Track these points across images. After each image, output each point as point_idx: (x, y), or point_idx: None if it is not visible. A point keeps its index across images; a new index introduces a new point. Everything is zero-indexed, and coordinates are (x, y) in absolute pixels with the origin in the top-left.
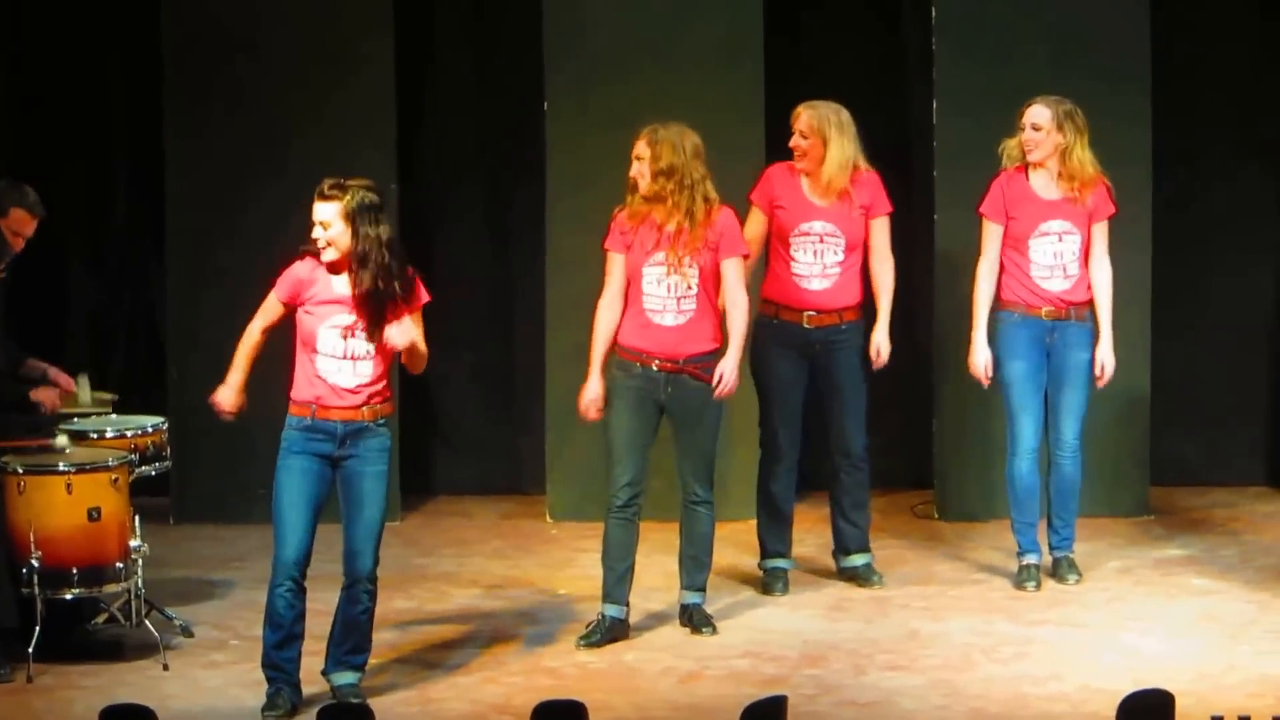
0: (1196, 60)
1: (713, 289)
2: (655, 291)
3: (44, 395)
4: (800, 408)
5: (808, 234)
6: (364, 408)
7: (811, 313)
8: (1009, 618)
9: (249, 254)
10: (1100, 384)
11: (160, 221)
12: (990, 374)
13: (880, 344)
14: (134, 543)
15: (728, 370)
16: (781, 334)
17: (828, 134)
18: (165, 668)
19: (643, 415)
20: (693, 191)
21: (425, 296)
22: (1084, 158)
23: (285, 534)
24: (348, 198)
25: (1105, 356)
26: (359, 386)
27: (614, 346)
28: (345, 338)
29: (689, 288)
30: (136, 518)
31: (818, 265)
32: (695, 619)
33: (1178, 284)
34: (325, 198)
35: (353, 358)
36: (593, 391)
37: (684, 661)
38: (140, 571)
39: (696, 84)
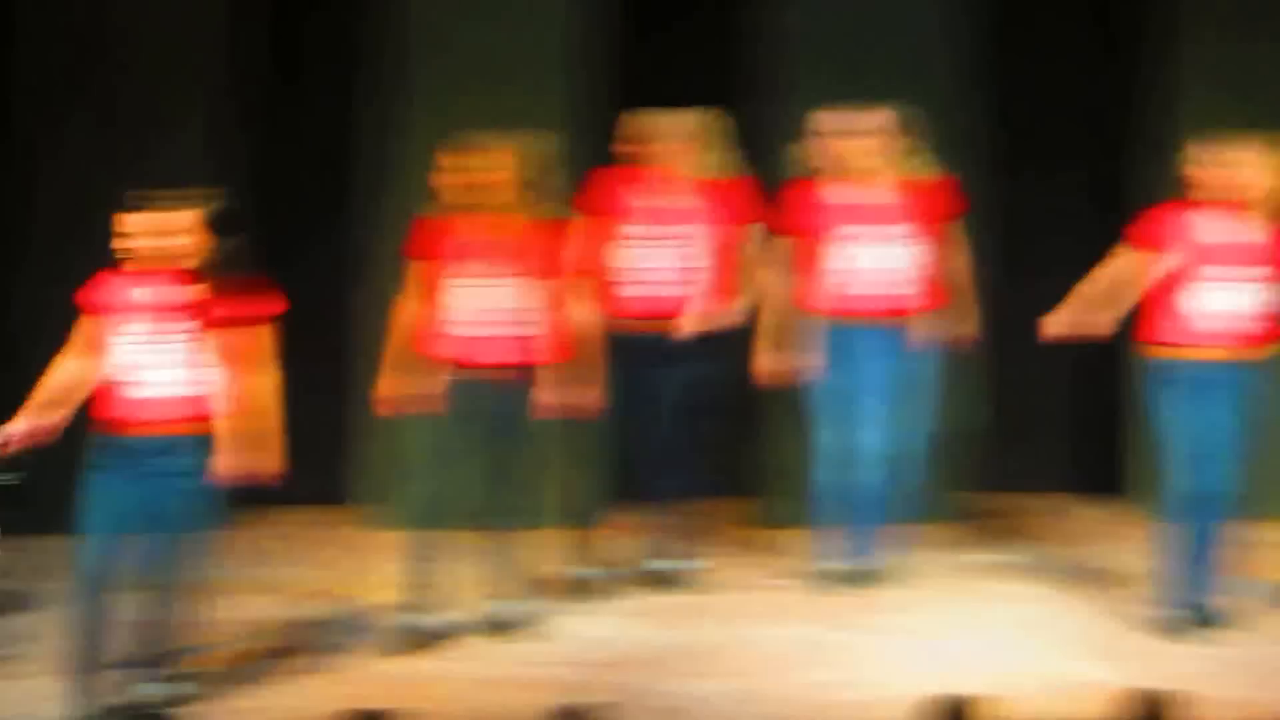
0: (1021, 70)
1: (527, 300)
2: (465, 300)
3: None
4: (644, 418)
5: (852, 235)
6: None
7: (653, 320)
8: (815, 623)
9: None
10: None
11: None
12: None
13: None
14: None
15: (549, 389)
16: (626, 344)
17: (688, 143)
18: None
19: (454, 424)
20: (525, 203)
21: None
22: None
23: (90, 547)
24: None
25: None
26: (157, 403)
27: (423, 353)
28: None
29: (505, 298)
30: None
31: (667, 269)
32: (499, 626)
33: (985, 293)
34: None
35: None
36: (388, 389)
37: (492, 668)
38: None
39: (513, 97)
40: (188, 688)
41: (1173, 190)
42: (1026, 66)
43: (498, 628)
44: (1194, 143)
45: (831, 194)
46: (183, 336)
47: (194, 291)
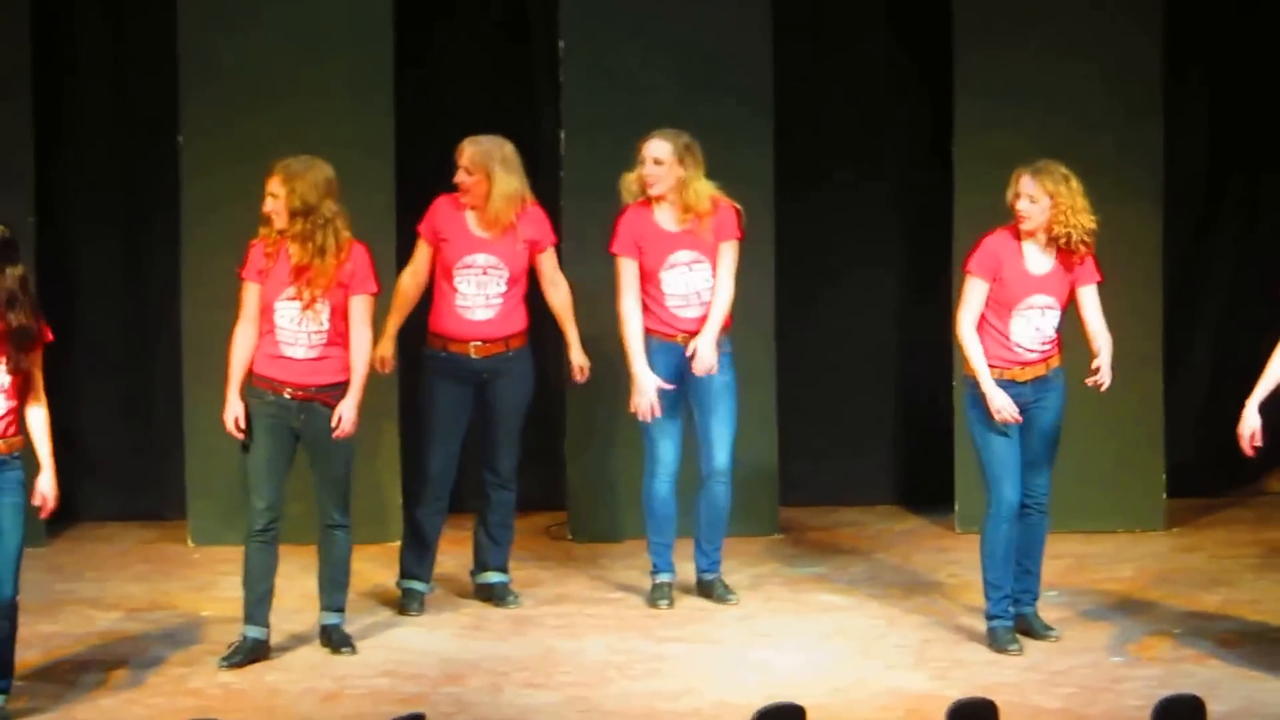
0: (818, 82)
1: (343, 323)
2: (288, 325)
3: None
4: (461, 437)
5: (471, 266)
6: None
7: (478, 343)
8: (643, 635)
9: None
10: (696, 370)
11: None
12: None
13: (581, 362)
14: None
15: (347, 411)
16: (450, 365)
17: (492, 169)
18: None
19: (278, 442)
20: (324, 229)
21: (49, 336)
22: (700, 189)
23: None
24: None
25: (704, 349)
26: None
27: (249, 374)
28: None
29: (321, 322)
30: None
31: (481, 296)
32: (335, 639)
33: (803, 306)
34: None
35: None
36: (233, 410)
37: (324, 681)
38: None
39: (328, 116)
40: (14, 702)
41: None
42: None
43: (332, 641)
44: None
45: (660, 221)
46: (17, 359)
47: (33, 319)
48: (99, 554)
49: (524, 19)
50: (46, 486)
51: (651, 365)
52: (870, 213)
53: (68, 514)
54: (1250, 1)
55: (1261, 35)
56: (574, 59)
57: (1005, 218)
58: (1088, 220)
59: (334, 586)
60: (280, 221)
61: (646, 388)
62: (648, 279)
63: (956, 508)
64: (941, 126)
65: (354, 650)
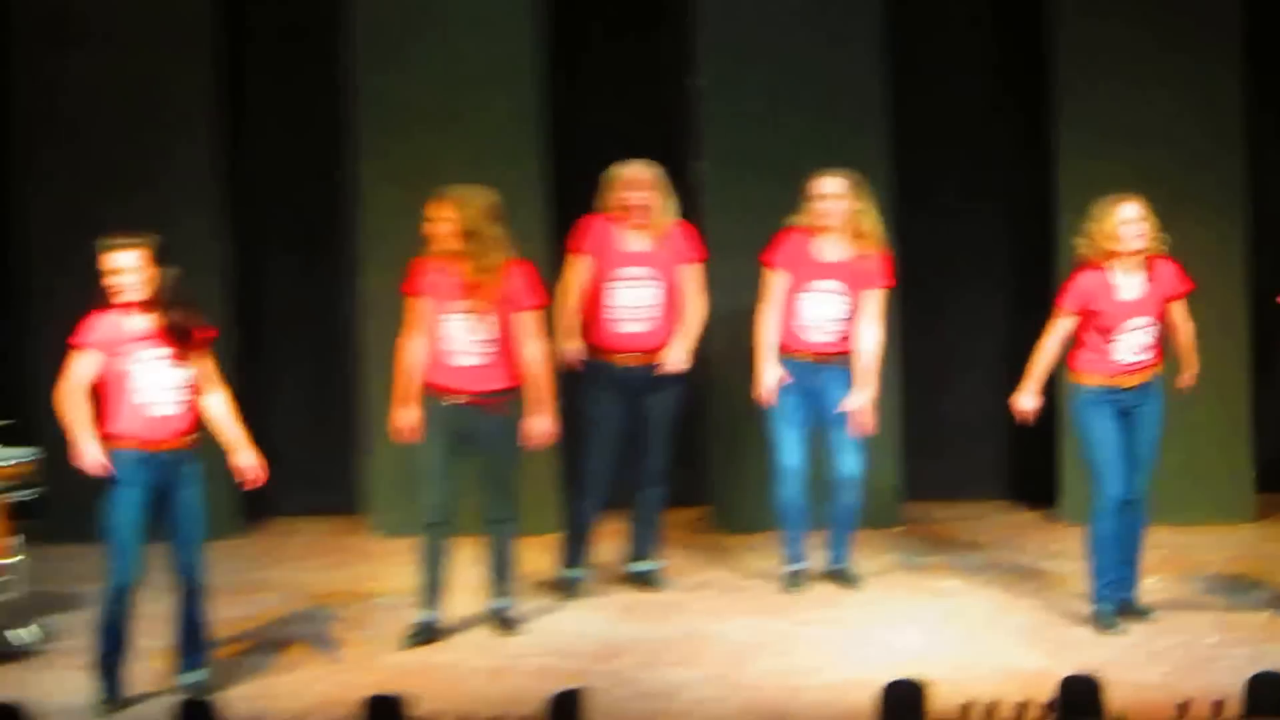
0: (931, 114)
1: (508, 335)
2: (458, 336)
3: None
4: (618, 441)
5: (625, 279)
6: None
7: (635, 354)
8: (779, 618)
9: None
10: (858, 427)
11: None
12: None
13: (854, 401)
14: (9, 560)
15: (537, 425)
16: (609, 375)
17: (662, 192)
18: (34, 669)
19: (449, 443)
20: (491, 249)
21: (212, 332)
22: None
23: (125, 556)
24: (147, 245)
25: (860, 401)
26: (178, 416)
27: (421, 383)
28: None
29: (489, 334)
30: (14, 539)
31: (635, 309)
32: (502, 621)
33: (922, 321)
34: (122, 248)
35: (168, 388)
36: (403, 419)
37: (493, 659)
38: (17, 587)
39: (486, 146)
40: (216, 677)
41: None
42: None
43: (499, 623)
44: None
45: (813, 247)
46: (169, 361)
47: (190, 315)
48: (290, 545)
49: (660, 56)
50: (247, 462)
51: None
52: (980, 234)
53: (261, 508)
54: None
55: None
56: (711, 95)
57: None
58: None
59: (501, 574)
60: (451, 243)
61: (769, 380)
62: (787, 295)
63: (1063, 502)
64: (1042, 155)
65: (519, 632)
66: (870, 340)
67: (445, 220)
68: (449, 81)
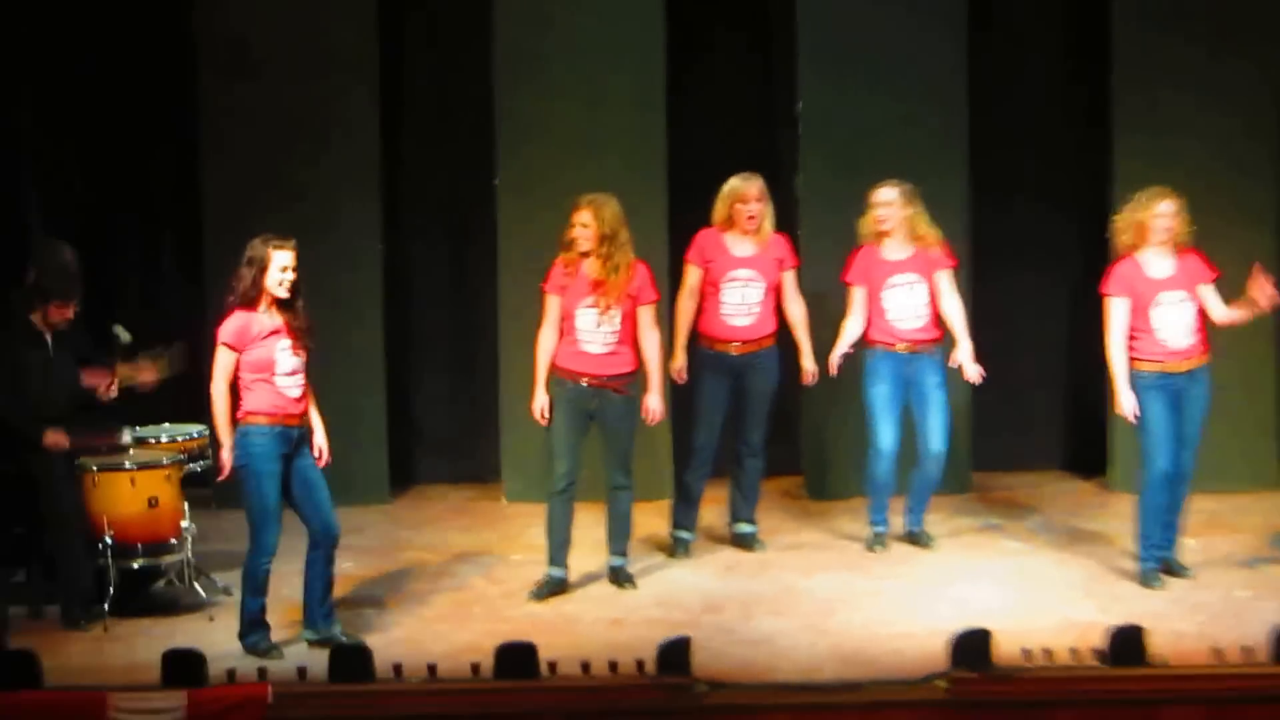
0: (1003, 120)
1: (630, 326)
2: (587, 327)
3: (94, 379)
4: (723, 417)
5: (735, 280)
6: (303, 415)
7: (738, 343)
8: (863, 574)
9: None
10: (969, 379)
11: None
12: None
13: (810, 369)
14: (185, 524)
15: (654, 403)
16: (715, 360)
17: (767, 205)
18: (211, 619)
19: (576, 420)
20: (620, 251)
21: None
22: (924, 225)
23: (269, 523)
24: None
25: (965, 359)
26: (301, 397)
27: (552, 367)
28: (295, 355)
29: (614, 325)
30: (186, 504)
31: (743, 305)
32: (620, 577)
33: (991, 307)
34: (288, 248)
35: (295, 373)
36: (540, 401)
37: (612, 610)
38: (190, 546)
39: (611, 159)
40: (365, 627)
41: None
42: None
43: (617, 579)
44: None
45: (881, 251)
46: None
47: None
48: (432, 510)
49: (768, 76)
50: (322, 441)
51: (871, 370)
52: (1045, 229)
53: (407, 477)
54: None
55: None
56: (808, 115)
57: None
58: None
59: (619, 535)
60: (588, 245)
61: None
62: (872, 298)
63: (1113, 473)
64: (1101, 155)
65: (635, 586)
66: (954, 308)
67: (585, 225)
68: (581, 101)
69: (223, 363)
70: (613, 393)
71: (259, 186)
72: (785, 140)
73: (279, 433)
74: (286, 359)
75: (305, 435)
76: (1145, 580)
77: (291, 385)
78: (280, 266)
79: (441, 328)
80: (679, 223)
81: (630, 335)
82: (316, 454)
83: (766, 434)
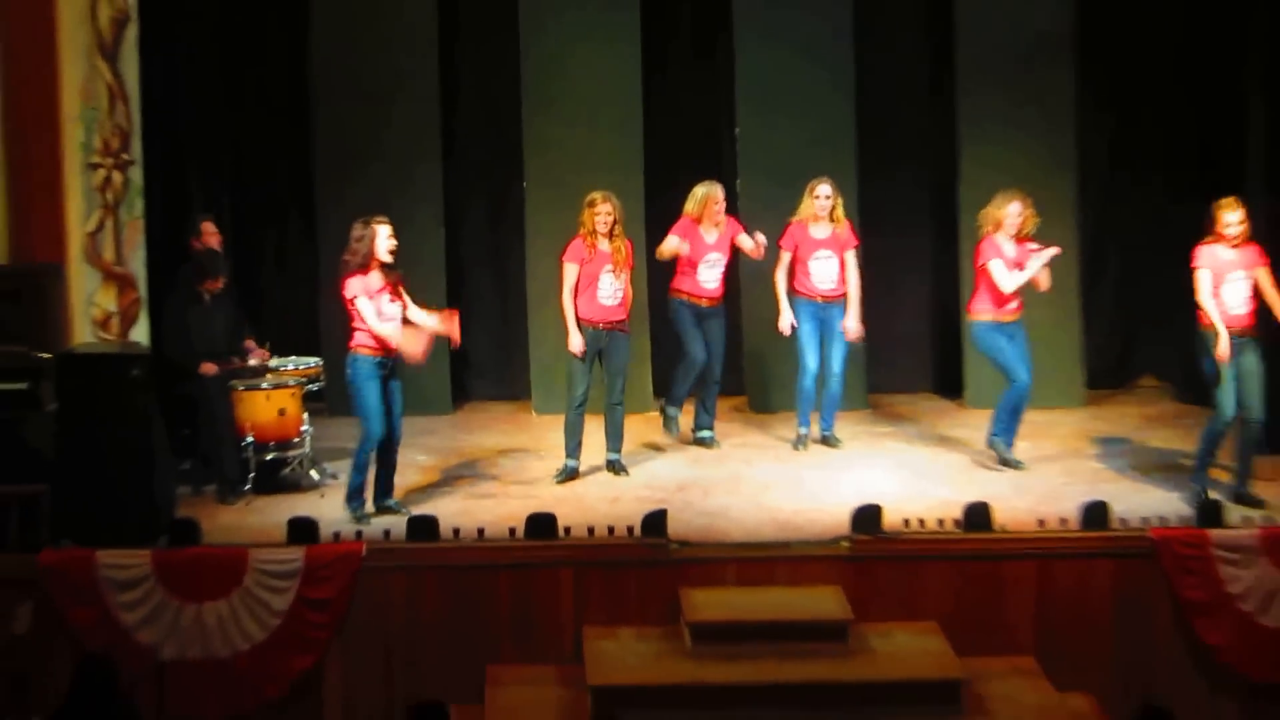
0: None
1: (628, 286)
2: (606, 287)
3: (208, 369)
4: (702, 348)
5: (708, 260)
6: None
7: (706, 299)
8: (791, 465)
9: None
10: (852, 338)
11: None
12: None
13: (853, 327)
14: (304, 427)
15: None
16: (694, 309)
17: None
18: (322, 496)
19: (591, 353)
20: (622, 232)
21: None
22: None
23: (372, 421)
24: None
25: (853, 322)
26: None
27: (579, 316)
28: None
29: (619, 284)
30: (306, 414)
31: (713, 273)
32: (616, 467)
33: (881, 266)
34: (387, 222)
35: (394, 318)
36: (576, 340)
37: (611, 491)
38: (308, 443)
39: (602, 167)
40: (430, 504)
41: None
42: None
43: (615, 468)
44: None
45: (811, 230)
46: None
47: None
48: (480, 419)
49: (717, 104)
50: (433, 324)
51: (797, 313)
52: (914, 204)
53: (462, 395)
54: None
55: None
56: (744, 135)
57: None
58: None
59: (615, 437)
60: (606, 228)
61: (785, 317)
62: (800, 263)
63: (968, 393)
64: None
65: (627, 474)
66: (853, 280)
67: (608, 213)
68: (580, 125)
69: (367, 310)
70: (618, 332)
71: (361, 191)
72: (728, 153)
73: (379, 360)
74: (388, 308)
75: (398, 362)
76: (998, 455)
77: (391, 326)
78: (386, 236)
79: (486, 285)
80: (652, 214)
81: (627, 291)
82: (453, 338)
83: (722, 367)
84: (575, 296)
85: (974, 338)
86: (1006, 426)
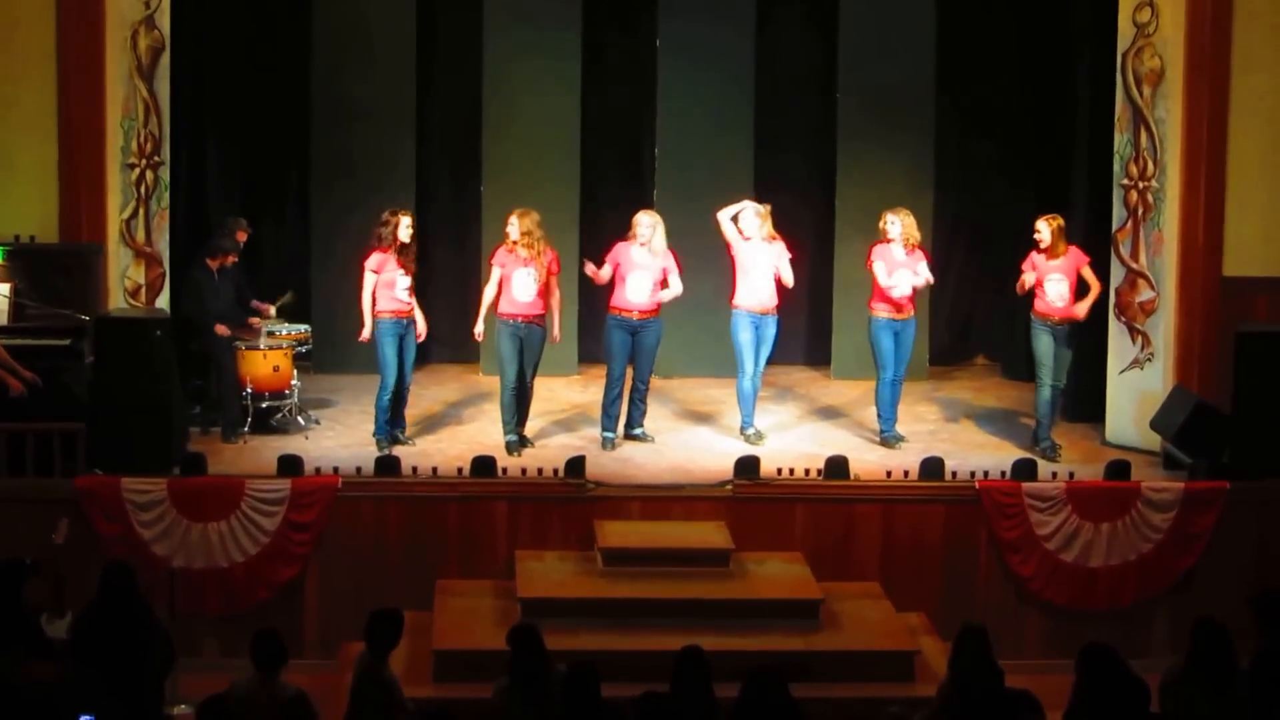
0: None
1: (544, 286)
2: (524, 284)
3: (221, 330)
4: (627, 362)
5: (639, 277)
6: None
7: (636, 313)
8: (691, 425)
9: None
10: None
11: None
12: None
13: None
14: (294, 382)
15: (556, 332)
16: (625, 324)
17: (661, 228)
18: (306, 438)
19: (515, 345)
20: (538, 242)
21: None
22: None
23: (389, 371)
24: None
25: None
26: (408, 300)
27: (498, 312)
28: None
29: (536, 284)
30: (296, 370)
31: (642, 289)
32: (523, 443)
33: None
34: (408, 213)
35: (407, 288)
36: (479, 328)
37: (540, 440)
38: (296, 395)
39: (542, 180)
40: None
41: None
42: None
43: (522, 444)
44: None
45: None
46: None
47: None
48: (436, 379)
49: (643, 127)
50: (422, 326)
51: (741, 323)
52: (803, 210)
53: (423, 360)
54: None
55: None
56: (662, 155)
57: None
58: None
59: (523, 411)
60: (521, 238)
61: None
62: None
63: (835, 366)
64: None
65: (531, 445)
66: (788, 279)
67: (528, 232)
68: (529, 145)
69: (369, 281)
70: (535, 326)
71: (356, 194)
72: (648, 171)
73: (394, 322)
74: (401, 279)
75: (411, 323)
76: (887, 440)
77: (404, 295)
78: (407, 224)
79: (445, 268)
80: (586, 225)
81: (543, 292)
82: (418, 332)
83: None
84: (498, 294)
85: (868, 329)
86: (889, 414)
